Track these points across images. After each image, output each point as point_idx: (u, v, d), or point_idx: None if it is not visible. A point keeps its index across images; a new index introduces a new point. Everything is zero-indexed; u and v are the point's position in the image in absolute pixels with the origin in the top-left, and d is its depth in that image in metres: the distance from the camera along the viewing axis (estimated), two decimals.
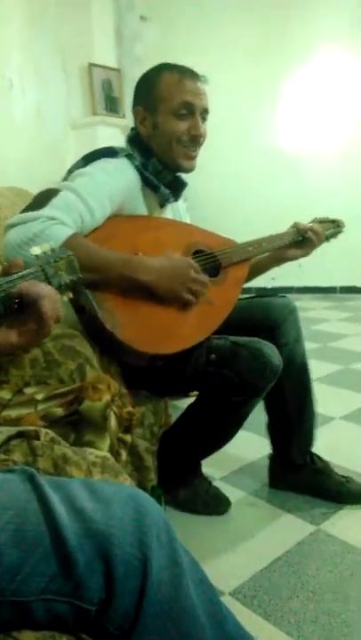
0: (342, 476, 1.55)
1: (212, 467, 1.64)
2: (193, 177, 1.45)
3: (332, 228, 1.62)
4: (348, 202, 4.32)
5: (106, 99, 3.98)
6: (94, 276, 1.11)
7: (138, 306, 1.21)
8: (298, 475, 1.56)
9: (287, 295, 1.61)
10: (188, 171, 1.37)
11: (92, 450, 0.80)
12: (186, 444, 1.44)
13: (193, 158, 1.35)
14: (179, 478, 1.50)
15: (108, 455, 0.81)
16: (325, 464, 1.57)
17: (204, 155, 1.40)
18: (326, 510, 1.50)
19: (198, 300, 1.26)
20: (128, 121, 3.84)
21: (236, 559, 1.31)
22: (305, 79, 4.63)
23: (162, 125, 1.31)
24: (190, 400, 1.44)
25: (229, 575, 1.24)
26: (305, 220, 1.59)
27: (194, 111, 1.30)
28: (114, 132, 3.89)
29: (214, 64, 4.03)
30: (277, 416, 1.56)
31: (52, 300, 0.70)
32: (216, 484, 1.57)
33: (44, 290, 0.71)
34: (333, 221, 1.65)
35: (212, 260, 1.39)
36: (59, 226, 1.07)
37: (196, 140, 1.32)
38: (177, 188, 1.40)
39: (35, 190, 1.66)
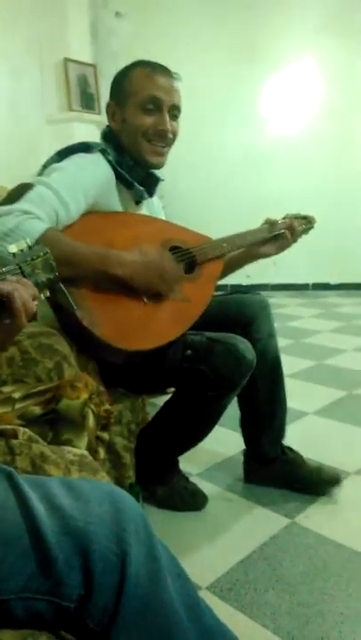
0: (313, 466, 1.58)
1: (189, 463, 1.65)
2: (167, 174, 1.46)
3: (304, 224, 1.65)
4: (318, 199, 4.38)
5: (82, 94, 3.94)
6: (70, 270, 1.10)
7: (115, 303, 1.21)
8: (271, 468, 1.58)
9: (262, 292, 1.63)
10: (155, 167, 1.37)
11: (69, 448, 0.80)
12: (163, 440, 1.45)
13: (160, 154, 1.35)
14: (156, 475, 1.51)
15: (86, 453, 0.81)
16: (297, 455, 1.60)
17: (178, 152, 1.40)
18: (300, 504, 1.52)
19: (173, 290, 1.27)
20: (104, 117, 3.82)
21: (212, 553, 1.32)
22: (277, 78, 4.69)
23: (129, 119, 1.31)
24: (167, 397, 1.45)
25: (206, 569, 1.25)
26: (277, 216, 1.61)
27: (161, 106, 1.30)
28: (90, 129, 3.86)
29: (189, 60, 4.05)
30: (250, 411, 1.58)
31: (23, 294, 0.70)
32: (193, 479, 1.59)
33: (13, 285, 0.70)
34: (305, 217, 1.66)
35: (188, 256, 1.40)
36: (34, 220, 1.06)
37: (162, 135, 1.31)
38: (151, 184, 1.40)
39: (8, 186, 1.64)
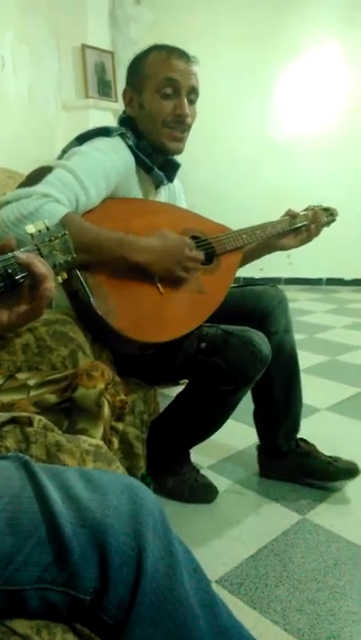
0: (329, 457, 1.56)
1: (200, 455, 1.64)
2: (184, 163, 1.43)
3: (326, 216, 1.62)
4: (339, 191, 4.32)
5: (98, 81, 3.92)
6: (88, 256, 1.09)
7: (131, 293, 1.19)
8: (285, 461, 1.57)
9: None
10: (174, 153, 1.35)
11: (85, 438, 0.79)
12: (175, 432, 1.44)
13: (179, 140, 1.32)
14: (167, 466, 1.50)
15: (102, 443, 0.80)
16: (312, 447, 1.58)
17: (195, 140, 1.37)
18: (312, 500, 1.51)
19: (190, 276, 1.25)
20: (120, 105, 3.79)
21: (222, 547, 1.31)
22: (299, 66, 4.60)
23: (147, 105, 1.29)
24: (179, 388, 1.44)
25: (216, 563, 1.25)
26: (298, 208, 1.58)
27: (179, 90, 1.27)
28: (106, 116, 3.84)
29: (208, 48, 4.00)
30: (264, 405, 1.56)
31: (52, 284, 0.69)
32: (204, 472, 1.58)
33: (50, 272, 0.70)
34: (327, 209, 1.63)
35: (207, 246, 1.38)
36: (53, 204, 1.05)
37: (181, 120, 1.29)
38: (170, 169, 1.38)
39: (23, 170, 1.63)
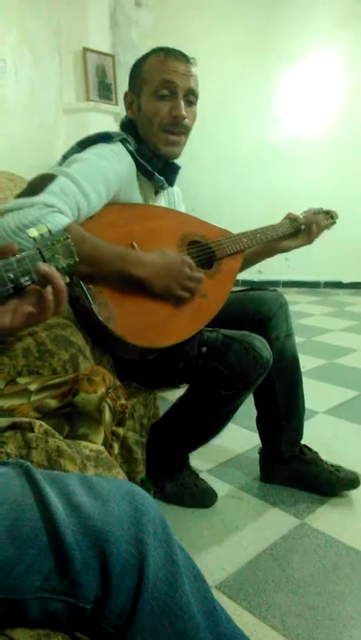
0: (332, 465, 1.56)
1: (199, 459, 1.64)
2: (183, 166, 1.43)
3: (327, 219, 1.62)
4: (333, 198, 4.33)
5: (99, 84, 3.92)
6: (90, 268, 1.09)
7: (132, 298, 1.19)
8: (288, 467, 1.57)
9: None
10: (170, 157, 1.34)
11: (86, 443, 0.79)
12: (174, 436, 1.44)
13: (175, 144, 1.31)
14: (166, 471, 1.50)
15: (102, 449, 0.80)
16: (315, 455, 1.58)
17: (195, 144, 1.37)
18: (310, 504, 1.51)
19: (194, 297, 1.25)
20: (120, 108, 3.79)
21: (221, 552, 1.31)
22: (297, 71, 4.61)
23: (144, 108, 1.28)
24: (179, 392, 1.43)
25: (215, 568, 1.24)
26: (298, 211, 1.58)
27: (176, 91, 1.26)
28: (106, 119, 3.85)
29: (209, 52, 4.02)
30: (267, 410, 1.56)
31: (64, 293, 0.71)
32: (203, 476, 1.57)
33: (62, 282, 0.71)
34: (327, 212, 1.64)
35: (207, 251, 1.38)
36: (56, 214, 1.04)
37: (177, 121, 1.27)
38: (170, 173, 1.37)
39: (23, 173, 1.63)
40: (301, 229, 1.54)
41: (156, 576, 0.58)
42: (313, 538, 1.37)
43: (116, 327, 1.13)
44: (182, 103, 1.27)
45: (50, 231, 0.75)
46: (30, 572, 0.54)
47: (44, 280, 0.70)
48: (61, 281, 0.71)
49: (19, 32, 3.09)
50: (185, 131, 1.31)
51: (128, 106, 1.34)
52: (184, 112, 1.27)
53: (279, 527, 1.41)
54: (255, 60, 4.53)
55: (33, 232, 0.74)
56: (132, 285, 1.17)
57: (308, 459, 1.56)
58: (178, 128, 1.29)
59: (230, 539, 1.36)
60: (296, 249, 1.57)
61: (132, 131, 1.32)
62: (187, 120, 1.29)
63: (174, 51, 1.29)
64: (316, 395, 2.33)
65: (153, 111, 1.27)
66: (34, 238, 0.74)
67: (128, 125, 1.34)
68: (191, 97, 1.30)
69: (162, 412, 1.46)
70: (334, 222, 1.64)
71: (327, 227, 1.61)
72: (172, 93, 1.26)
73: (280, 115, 4.71)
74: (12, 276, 0.68)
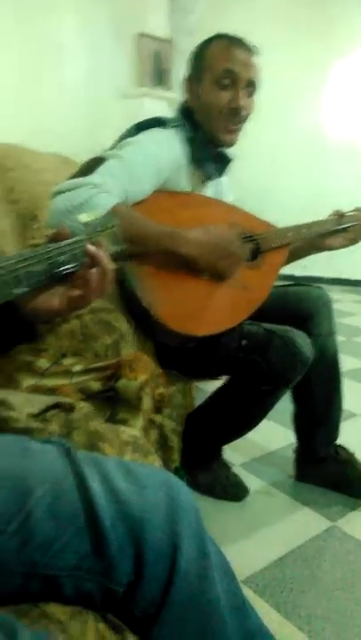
0: None
1: (233, 452, 1.63)
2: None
3: None
4: None
5: (154, 70, 3.90)
6: (137, 247, 1.09)
7: (176, 285, 1.19)
8: (322, 466, 1.54)
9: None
10: (227, 145, 1.32)
11: (125, 428, 0.79)
12: (210, 427, 1.44)
13: (233, 132, 1.30)
14: (199, 461, 1.50)
15: (140, 435, 0.81)
16: (350, 455, 1.55)
17: (243, 135, 1.34)
18: (342, 507, 1.48)
19: (235, 270, 1.24)
20: (176, 94, 3.77)
21: (250, 548, 1.31)
22: (350, 65, 4.46)
23: (204, 95, 1.27)
24: (216, 383, 1.43)
25: (243, 563, 1.24)
26: (344, 209, 1.54)
27: (237, 81, 1.24)
28: (160, 105, 3.82)
29: (266, 40, 3.92)
30: (304, 408, 1.54)
31: (110, 276, 0.70)
32: (236, 469, 1.57)
33: (111, 264, 0.70)
34: None
35: (252, 243, 1.36)
36: (104, 194, 1.05)
37: (235, 112, 1.26)
38: (222, 163, 1.36)
39: (75, 156, 1.64)
40: (348, 228, 1.50)
41: (188, 568, 0.58)
42: (344, 542, 1.34)
43: (158, 312, 1.13)
44: (241, 94, 1.25)
45: (99, 217, 0.76)
46: (66, 551, 0.55)
47: (92, 262, 0.70)
48: (109, 263, 0.70)
49: (78, 15, 3.10)
50: (243, 120, 1.30)
51: (187, 92, 1.32)
52: (243, 103, 1.26)
53: (309, 528, 1.39)
54: (310, 49, 4.41)
55: (84, 217, 0.74)
56: (177, 267, 1.17)
57: (343, 459, 1.53)
58: (236, 117, 1.28)
59: (259, 535, 1.36)
60: (345, 247, 1.52)
61: (188, 117, 1.31)
62: (245, 111, 1.28)
63: (237, 39, 1.27)
64: (356, 396, 2.27)
65: (213, 99, 1.26)
66: (85, 223, 0.74)
67: (185, 111, 1.33)
68: (250, 88, 1.28)
69: (197, 402, 1.46)
70: None
71: None
72: (232, 83, 1.25)
73: (332, 108, 4.58)
74: (63, 259, 0.68)
